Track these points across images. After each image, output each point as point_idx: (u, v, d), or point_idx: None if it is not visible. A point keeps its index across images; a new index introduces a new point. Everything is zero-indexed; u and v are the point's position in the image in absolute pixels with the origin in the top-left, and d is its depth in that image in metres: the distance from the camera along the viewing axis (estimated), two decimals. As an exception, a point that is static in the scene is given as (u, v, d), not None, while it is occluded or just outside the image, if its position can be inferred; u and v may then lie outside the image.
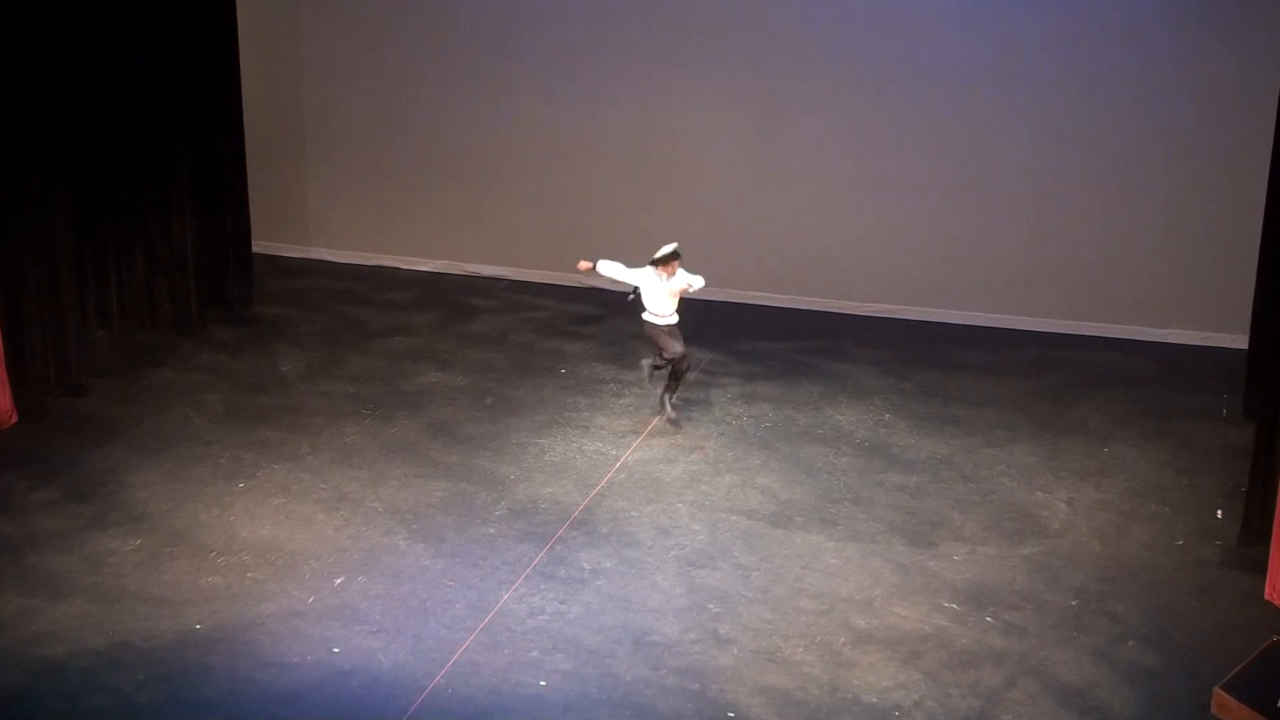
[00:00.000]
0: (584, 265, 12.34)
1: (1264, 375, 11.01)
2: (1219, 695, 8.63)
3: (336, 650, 9.15)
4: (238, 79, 14.65)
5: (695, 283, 12.13)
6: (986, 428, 12.61)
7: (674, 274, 12.09)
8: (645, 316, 12.27)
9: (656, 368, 12.44)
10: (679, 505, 11.12)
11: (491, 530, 10.68)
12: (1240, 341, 13.51)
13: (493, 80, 15.79)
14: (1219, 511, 11.17)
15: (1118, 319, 14.73)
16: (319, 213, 16.77)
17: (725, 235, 15.56)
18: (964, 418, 12.81)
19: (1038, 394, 13.37)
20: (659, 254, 12.04)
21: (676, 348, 12.22)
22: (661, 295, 12.17)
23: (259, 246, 15.79)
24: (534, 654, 9.14)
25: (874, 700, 8.75)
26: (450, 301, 15.60)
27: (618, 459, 11.85)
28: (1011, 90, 14.52)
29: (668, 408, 12.41)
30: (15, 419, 12.16)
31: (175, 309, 14.36)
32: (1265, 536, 10.09)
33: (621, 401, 12.87)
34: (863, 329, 14.97)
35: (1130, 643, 9.41)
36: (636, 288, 12.26)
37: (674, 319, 12.24)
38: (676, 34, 15.21)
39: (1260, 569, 10.03)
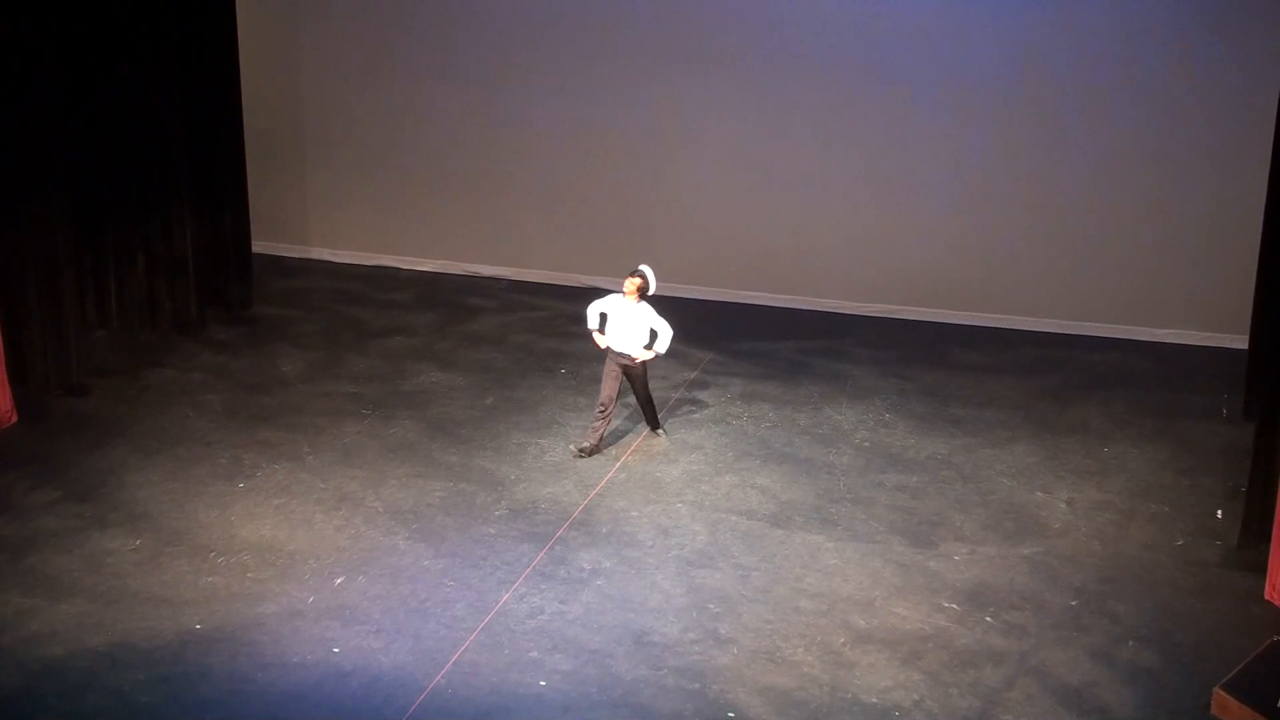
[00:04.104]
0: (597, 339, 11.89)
1: (1264, 375, 11.02)
2: (1219, 695, 8.63)
3: (336, 650, 9.15)
4: (238, 79, 14.65)
5: (661, 336, 11.65)
6: (986, 428, 12.61)
7: (638, 299, 11.66)
8: (611, 345, 11.79)
9: (584, 451, 11.92)
10: (679, 505, 11.12)
11: (491, 530, 10.68)
12: (1240, 341, 13.51)
13: (493, 81, 15.79)
14: (1219, 511, 11.17)
15: (1118, 319, 14.73)
16: (319, 213, 16.76)
17: (726, 235, 15.56)
18: (964, 418, 12.80)
19: (1038, 394, 13.37)
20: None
21: (638, 385, 11.86)
22: (624, 324, 11.72)
23: (259, 246, 15.79)
24: (534, 654, 9.14)
25: (874, 700, 8.76)
26: (450, 301, 15.59)
27: (618, 459, 11.85)
28: (1011, 91, 14.51)
29: (659, 431, 12.15)
30: (15, 419, 12.16)
31: (175, 309, 14.36)
32: (1265, 537, 10.10)
33: (621, 401, 12.86)
34: (863, 329, 14.97)
35: (1130, 643, 9.41)
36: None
37: (636, 354, 11.70)
38: (677, 36, 15.21)
39: (1260, 569, 10.03)
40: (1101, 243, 14.66)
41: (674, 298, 15.09)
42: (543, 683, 8.88)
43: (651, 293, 11.82)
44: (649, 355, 11.80)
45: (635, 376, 11.93)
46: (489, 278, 16.28)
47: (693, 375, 13.58)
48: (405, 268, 16.52)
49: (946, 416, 12.83)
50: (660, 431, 12.21)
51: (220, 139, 14.54)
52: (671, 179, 15.63)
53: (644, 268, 11.85)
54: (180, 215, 14.15)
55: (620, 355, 11.80)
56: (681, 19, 15.17)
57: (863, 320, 15.19)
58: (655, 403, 12.25)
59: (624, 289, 11.77)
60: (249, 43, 15.15)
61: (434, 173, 16.28)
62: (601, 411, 11.91)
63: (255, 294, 15.26)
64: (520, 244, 16.22)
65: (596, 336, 11.90)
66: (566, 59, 15.55)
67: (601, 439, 11.97)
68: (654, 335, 11.82)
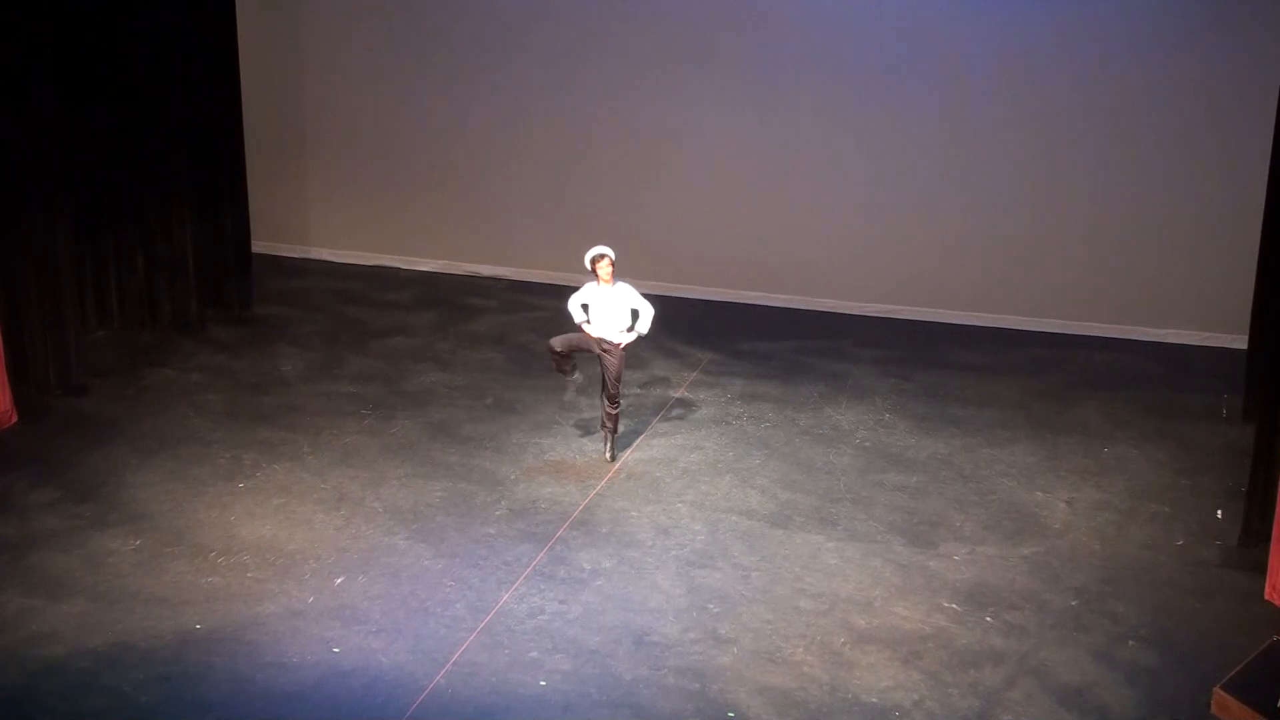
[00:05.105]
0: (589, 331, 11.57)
1: (1264, 375, 11.01)
2: (1219, 695, 8.63)
3: (336, 650, 9.15)
4: (238, 79, 14.66)
5: (643, 315, 11.40)
6: (986, 428, 12.61)
7: (611, 281, 11.36)
8: (596, 331, 11.49)
9: (572, 387, 11.73)
10: (679, 505, 11.12)
11: (491, 530, 10.68)
12: (1240, 341, 13.51)
13: (492, 80, 15.80)
14: (1219, 512, 11.17)
15: (1118, 319, 14.74)
16: (319, 213, 16.77)
17: (725, 235, 15.57)
18: (964, 418, 12.81)
19: (1038, 394, 13.37)
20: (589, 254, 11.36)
21: (611, 371, 11.45)
22: (606, 311, 11.46)
23: (259, 246, 15.80)
24: (534, 654, 9.14)
25: (874, 700, 8.75)
26: (450, 301, 15.60)
27: (618, 459, 11.84)
28: (1011, 90, 14.53)
29: (608, 450, 11.76)
30: (15, 419, 12.15)
31: (175, 309, 14.37)
32: (1265, 537, 10.10)
33: (622, 401, 12.84)
34: (863, 329, 14.97)
35: (1130, 643, 9.41)
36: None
37: (617, 339, 11.43)
38: (677, 34, 15.22)
39: (1260, 569, 10.03)
40: (1102, 243, 14.66)
41: (675, 298, 15.17)
42: (543, 683, 8.87)
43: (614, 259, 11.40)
44: (630, 338, 11.44)
45: (609, 366, 11.45)
46: (489, 278, 16.29)
47: (693, 375, 13.58)
48: (405, 268, 16.53)
49: (946, 416, 12.83)
50: (609, 456, 11.75)
51: (220, 139, 14.55)
52: (672, 179, 15.64)
53: (600, 248, 11.32)
54: (180, 215, 14.16)
55: (600, 339, 11.48)
56: (682, 19, 15.18)
57: (863, 320, 15.19)
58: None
59: (599, 277, 11.33)
60: (249, 43, 15.16)
61: (434, 172, 16.29)
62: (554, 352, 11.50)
63: (255, 294, 15.27)
64: (520, 244, 16.23)
65: (587, 328, 11.49)
66: (566, 59, 15.56)
67: (572, 369, 11.65)
68: (635, 316, 11.53)
